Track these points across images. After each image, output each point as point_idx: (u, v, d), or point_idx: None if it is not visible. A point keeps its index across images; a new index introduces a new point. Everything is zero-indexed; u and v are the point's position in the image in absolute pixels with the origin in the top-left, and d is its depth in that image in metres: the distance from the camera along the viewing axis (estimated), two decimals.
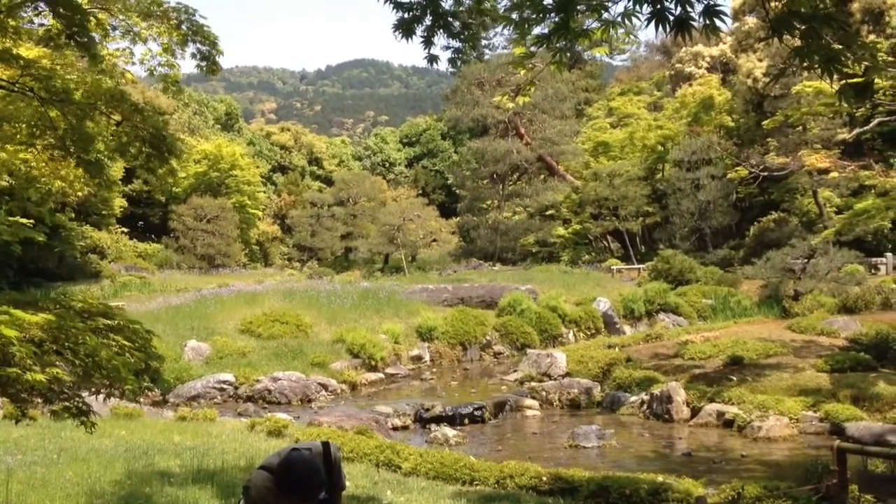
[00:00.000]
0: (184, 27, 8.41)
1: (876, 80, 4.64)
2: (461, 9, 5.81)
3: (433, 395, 18.78)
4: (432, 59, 5.81)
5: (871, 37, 36.22)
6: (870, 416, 13.83)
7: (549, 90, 47.65)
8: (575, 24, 4.53)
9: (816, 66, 3.98)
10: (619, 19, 4.40)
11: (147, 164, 7.87)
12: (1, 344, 4.40)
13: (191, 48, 8.55)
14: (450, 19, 5.64)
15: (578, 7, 4.49)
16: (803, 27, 3.93)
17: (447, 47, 5.92)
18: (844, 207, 29.93)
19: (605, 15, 4.46)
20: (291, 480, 3.73)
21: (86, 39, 6.66)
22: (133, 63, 9.38)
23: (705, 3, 4.06)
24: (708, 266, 34.49)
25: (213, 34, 8.50)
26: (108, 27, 8.50)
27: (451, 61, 6.03)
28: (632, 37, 61.07)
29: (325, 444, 4.07)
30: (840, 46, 4.02)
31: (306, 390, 18.60)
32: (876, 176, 32.84)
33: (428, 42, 5.61)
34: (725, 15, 4.13)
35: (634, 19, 4.30)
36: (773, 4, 4.18)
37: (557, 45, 4.77)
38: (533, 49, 5.23)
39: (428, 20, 5.49)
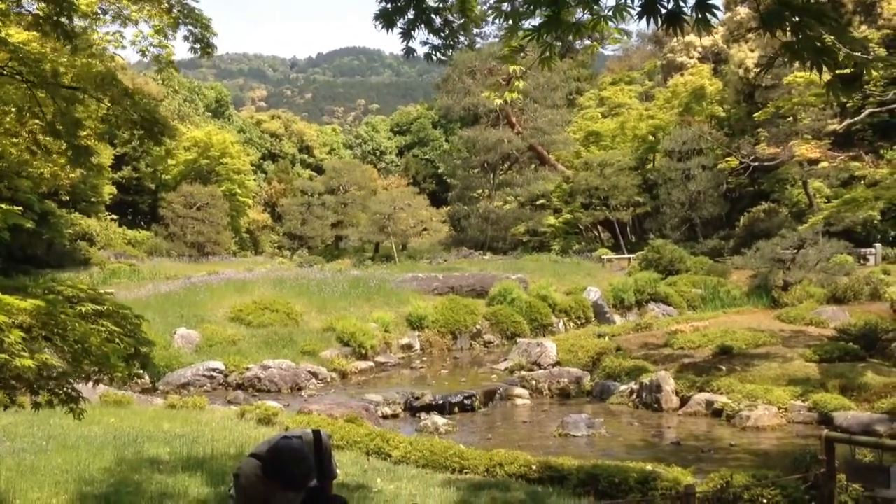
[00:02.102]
0: (175, 10, 8.35)
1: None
2: (445, 5, 5.79)
3: (423, 383, 18.80)
4: (409, 52, 5.81)
5: (863, 27, 36.31)
6: (858, 406, 13.92)
7: (540, 79, 47.44)
8: (567, 15, 4.50)
9: (807, 61, 3.95)
10: (611, 13, 4.37)
11: (141, 146, 7.85)
12: None
13: (182, 31, 8.50)
14: (432, 15, 5.61)
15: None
16: (795, 20, 3.90)
17: (426, 42, 5.91)
18: (834, 198, 30.00)
19: (597, 8, 4.43)
20: (280, 468, 3.73)
21: (69, 25, 6.61)
22: (123, 47, 9.35)
23: None
24: (698, 256, 34.56)
25: (205, 16, 8.45)
26: (98, 10, 8.45)
27: (427, 57, 6.02)
28: (623, 30, 60.86)
29: (316, 433, 4.07)
30: (831, 41, 3.99)
31: (296, 378, 18.60)
32: (866, 166, 33.03)
33: (407, 35, 5.58)
34: (717, 9, 4.10)
35: (626, 14, 4.27)
36: None
37: (548, 39, 4.73)
38: (523, 43, 5.20)
39: (411, 13, 5.46)
